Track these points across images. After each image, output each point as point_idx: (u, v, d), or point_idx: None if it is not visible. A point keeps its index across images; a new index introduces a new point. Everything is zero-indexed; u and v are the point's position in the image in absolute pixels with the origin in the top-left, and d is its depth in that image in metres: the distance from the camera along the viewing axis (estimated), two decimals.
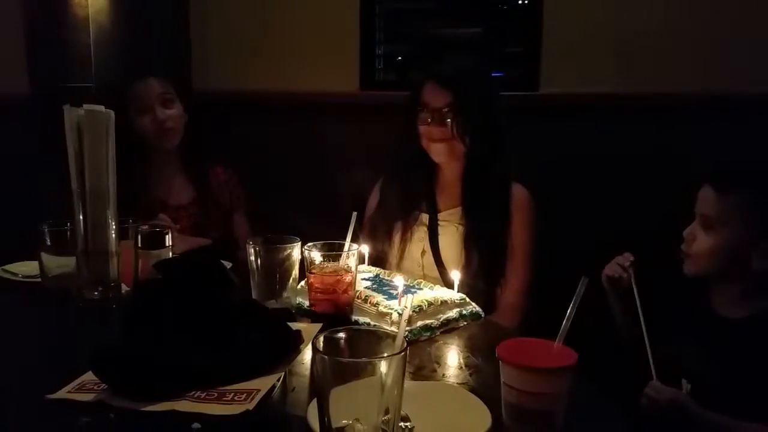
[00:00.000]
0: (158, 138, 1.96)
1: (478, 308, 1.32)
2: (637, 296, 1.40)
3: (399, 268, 1.69)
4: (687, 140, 2.09)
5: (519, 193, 1.67)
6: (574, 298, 0.83)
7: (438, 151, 1.66)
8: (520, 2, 2.44)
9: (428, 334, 1.19)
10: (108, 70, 2.46)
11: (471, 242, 1.62)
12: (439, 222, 1.69)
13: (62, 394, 0.85)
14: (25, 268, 1.51)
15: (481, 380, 1.00)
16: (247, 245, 1.23)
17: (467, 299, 1.32)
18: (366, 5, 2.49)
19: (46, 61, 2.53)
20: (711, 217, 1.36)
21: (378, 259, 1.66)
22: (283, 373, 0.89)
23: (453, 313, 1.26)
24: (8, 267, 1.55)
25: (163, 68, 2.18)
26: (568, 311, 0.83)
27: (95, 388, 0.85)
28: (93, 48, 2.47)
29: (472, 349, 1.16)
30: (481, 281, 1.57)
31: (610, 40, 2.19)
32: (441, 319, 1.23)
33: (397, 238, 1.71)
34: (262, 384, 0.85)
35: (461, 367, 1.07)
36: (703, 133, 2.06)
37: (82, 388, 0.86)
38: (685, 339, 1.39)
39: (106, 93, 2.30)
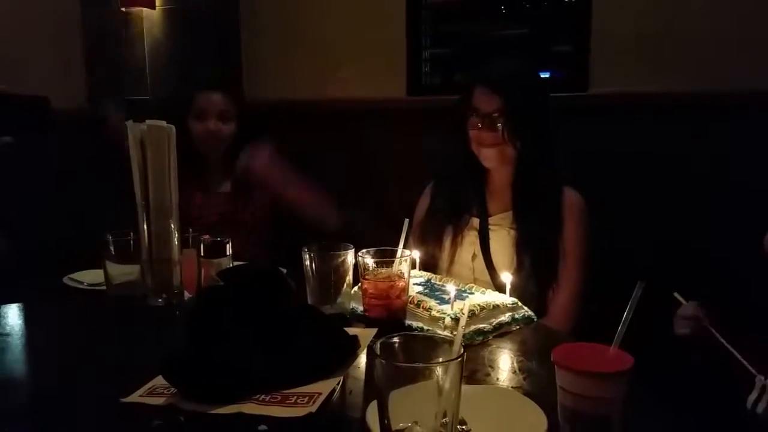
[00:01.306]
0: (205, 145, 2.11)
1: (530, 312, 1.31)
2: (722, 340, 1.34)
3: (450, 273, 1.69)
4: (741, 139, 2.03)
5: (571, 196, 1.66)
6: (630, 302, 0.83)
7: (488, 156, 1.66)
8: (567, 1, 2.41)
9: (481, 338, 1.20)
10: (162, 83, 2.56)
11: (523, 246, 1.61)
12: (490, 226, 1.69)
13: (135, 397, 0.90)
14: (90, 277, 1.56)
15: (535, 384, 1.00)
16: (302, 252, 1.26)
17: (519, 303, 1.32)
18: (412, 9, 2.50)
19: (103, 76, 2.64)
20: None
21: (428, 264, 1.67)
22: (342, 377, 0.91)
23: (505, 317, 1.26)
24: (74, 275, 1.61)
25: (229, 84, 2.28)
26: (624, 315, 0.82)
27: (165, 392, 0.90)
28: (148, 62, 2.57)
29: (525, 352, 1.16)
30: (533, 285, 1.57)
31: (659, 38, 2.14)
32: (493, 324, 1.23)
33: (447, 243, 1.71)
34: (323, 387, 0.88)
35: (515, 371, 1.07)
36: (759, 131, 1.99)
37: (153, 392, 0.91)
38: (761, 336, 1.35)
39: (166, 103, 2.40)
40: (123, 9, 2.53)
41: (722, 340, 1.32)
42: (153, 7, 2.53)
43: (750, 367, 1.27)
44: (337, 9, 2.58)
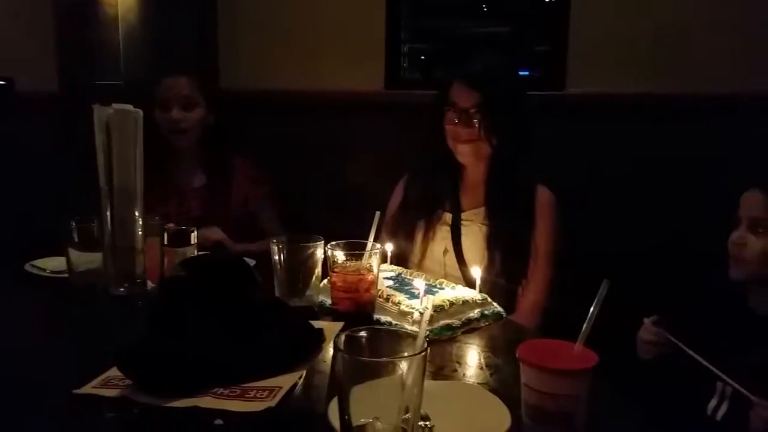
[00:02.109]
0: (170, 137, 2.02)
1: (499, 308, 1.31)
2: (688, 350, 1.34)
3: (421, 267, 1.68)
4: (715, 141, 2.05)
5: (543, 194, 1.66)
6: (596, 300, 0.82)
7: (464, 152, 1.65)
8: (547, 1, 2.41)
9: (449, 333, 1.19)
10: (137, 68, 2.50)
11: (494, 242, 1.62)
12: (462, 221, 1.68)
13: (87, 389, 0.87)
14: (53, 264, 1.53)
15: (502, 380, 1.00)
16: (270, 243, 1.24)
17: (489, 299, 1.31)
18: (391, 3, 2.49)
19: (75, 59, 2.57)
20: (758, 218, 1.33)
21: (400, 258, 1.66)
22: (305, 371, 0.90)
23: (474, 313, 1.25)
24: (36, 262, 1.57)
25: (194, 68, 2.21)
26: (590, 313, 0.82)
27: (120, 383, 0.87)
28: (122, 46, 2.50)
29: (493, 349, 1.15)
30: (503, 281, 1.57)
31: (637, 40, 2.16)
32: (462, 319, 1.22)
33: (419, 237, 1.71)
34: (285, 381, 0.86)
35: (482, 367, 1.07)
36: (732, 134, 2.02)
37: (107, 383, 0.88)
38: (724, 341, 1.36)
39: (135, 90, 2.35)
40: None
41: (686, 349, 1.33)
42: None
43: (717, 372, 1.28)
44: (317, 0, 2.55)
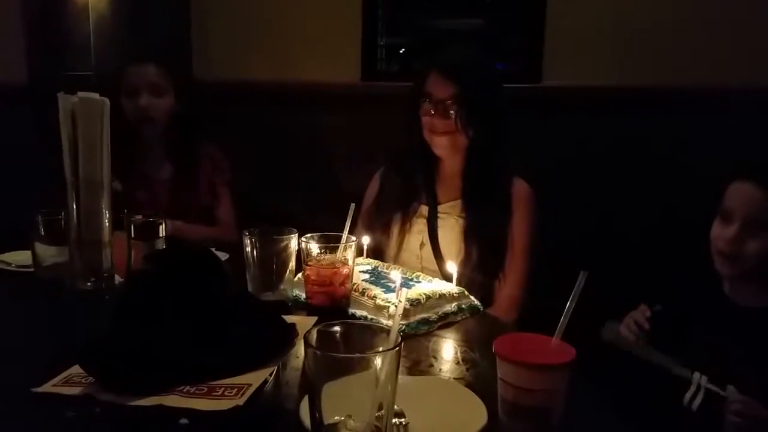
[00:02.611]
0: (137, 124, 1.97)
1: (476, 302, 1.30)
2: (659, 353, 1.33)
3: (397, 260, 1.67)
4: (689, 133, 2.07)
5: (520, 186, 1.65)
6: (573, 293, 0.81)
7: (440, 144, 1.64)
8: None
9: (426, 327, 1.17)
10: (107, 58, 2.44)
11: (471, 235, 1.60)
12: (438, 214, 1.67)
13: (48, 387, 0.83)
14: (19, 258, 1.49)
15: (478, 375, 0.98)
16: (243, 236, 1.21)
17: (466, 292, 1.30)
18: None
19: (44, 50, 2.51)
20: (756, 214, 1.27)
21: (377, 251, 1.64)
22: (276, 368, 0.87)
23: (451, 307, 1.24)
24: (2, 256, 1.53)
25: (162, 56, 2.16)
26: (567, 306, 0.81)
27: (82, 381, 0.84)
28: (93, 36, 2.44)
29: (469, 343, 1.14)
30: (480, 274, 1.56)
31: (612, 33, 2.17)
32: (439, 313, 1.21)
33: (396, 230, 1.69)
34: (254, 378, 0.83)
35: (458, 362, 1.05)
36: (705, 126, 2.04)
37: (68, 381, 0.84)
38: (700, 332, 1.35)
39: (106, 81, 2.29)
40: None
41: (660, 355, 1.32)
42: None
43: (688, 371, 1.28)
44: None
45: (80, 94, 1.20)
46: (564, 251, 1.73)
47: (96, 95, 1.21)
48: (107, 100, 1.22)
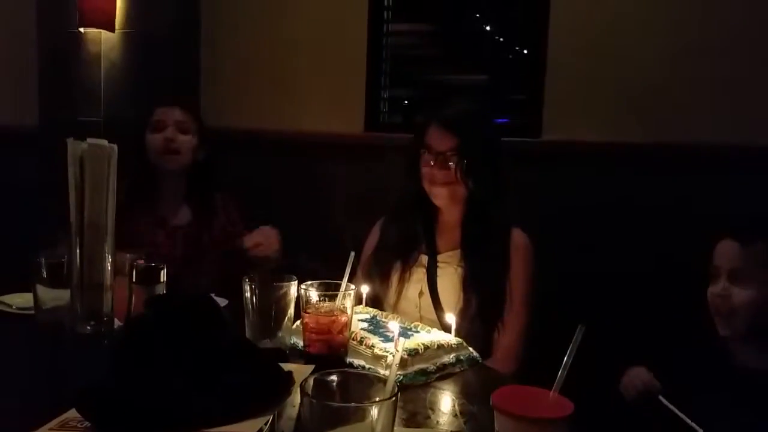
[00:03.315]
0: (163, 158, 2.03)
1: (475, 353, 1.29)
2: (674, 408, 1.31)
3: (396, 309, 1.67)
4: (685, 189, 2.09)
5: (518, 237, 1.67)
6: (571, 346, 0.81)
7: (439, 195, 1.66)
8: (525, 51, 2.48)
9: (423, 378, 1.16)
10: (116, 106, 2.50)
11: (470, 284, 1.61)
12: (438, 264, 1.68)
13: (44, 430, 0.83)
14: (21, 300, 1.49)
15: (476, 428, 0.97)
16: (243, 282, 1.22)
17: (464, 344, 1.29)
18: (373, 50, 2.53)
19: (56, 96, 2.57)
20: (739, 269, 1.32)
21: (376, 299, 1.64)
22: (272, 417, 0.86)
23: (450, 358, 1.23)
24: (3, 298, 1.53)
25: (185, 99, 2.24)
26: (565, 360, 0.81)
27: (78, 425, 0.83)
28: (103, 84, 2.51)
29: (467, 395, 1.13)
30: (479, 325, 1.55)
31: (611, 89, 2.22)
32: (437, 364, 1.20)
33: (395, 278, 1.69)
34: (249, 427, 0.82)
35: (456, 415, 1.04)
36: (702, 183, 2.07)
37: (64, 425, 0.84)
38: (707, 394, 1.34)
39: (115, 127, 2.34)
40: (81, 30, 2.48)
41: (676, 411, 1.30)
42: (113, 30, 2.49)
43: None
44: (299, 43, 2.60)
45: (89, 140, 1.23)
46: (562, 303, 1.73)
47: (105, 142, 1.23)
48: (115, 147, 1.24)
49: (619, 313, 1.98)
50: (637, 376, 1.44)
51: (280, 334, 1.22)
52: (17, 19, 2.72)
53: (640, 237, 2.12)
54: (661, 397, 1.35)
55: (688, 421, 1.26)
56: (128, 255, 1.28)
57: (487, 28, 2.61)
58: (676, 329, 1.49)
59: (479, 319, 1.56)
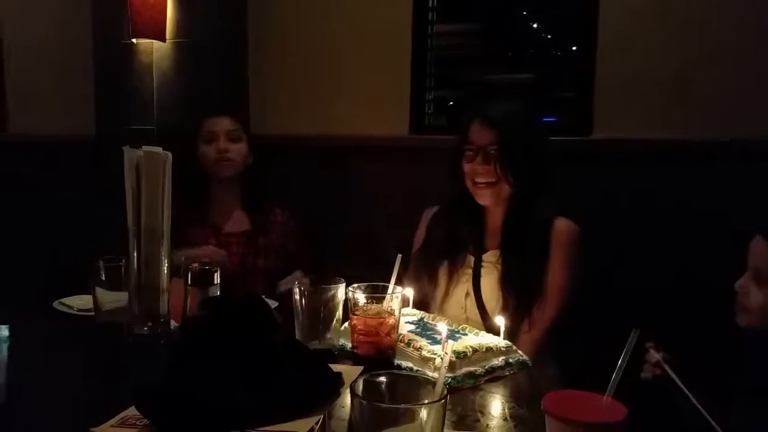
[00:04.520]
0: (217, 166, 2.09)
1: (525, 356, 1.28)
2: (681, 385, 1.29)
3: (442, 311, 1.66)
4: (741, 188, 2.02)
5: (561, 225, 1.62)
6: (625, 350, 0.80)
7: (483, 194, 1.65)
8: (573, 48, 2.44)
9: (472, 381, 1.16)
10: (169, 114, 2.58)
11: (506, 284, 1.59)
12: (482, 264, 1.67)
13: (105, 428, 0.86)
14: (81, 302, 1.55)
15: None
16: (293, 286, 1.24)
17: (514, 347, 1.28)
18: (418, 52, 2.53)
19: (111, 106, 2.66)
20: (761, 269, 1.29)
21: (422, 301, 1.64)
22: (323, 416, 0.88)
23: (498, 361, 1.22)
24: (65, 300, 1.60)
25: (234, 108, 2.30)
26: (619, 363, 0.79)
27: (137, 423, 0.86)
28: (156, 92, 2.59)
29: (517, 399, 1.12)
30: (517, 323, 1.53)
31: (662, 86, 2.16)
32: (486, 367, 1.19)
33: (443, 280, 1.69)
34: (301, 426, 0.84)
35: (506, 418, 1.03)
36: (758, 181, 1.98)
37: (125, 422, 0.87)
38: (739, 398, 1.30)
39: (167, 135, 2.42)
40: (133, 41, 2.57)
41: (678, 382, 1.26)
42: (163, 40, 2.56)
43: (702, 411, 1.22)
44: (344, 48, 2.61)
45: (145, 148, 1.27)
46: (615, 306, 1.69)
47: (159, 149, 1.27)
48: (170, 154, 1.28)
49: (669, 316, 1.92)
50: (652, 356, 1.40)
51: (328, 335, 1.24)
52: (73, 32, 2.83)
53: (692, 235, 2.06)
54: (663, 362, 1.30)
55: (685, 389, 1.22)
56: (183, 258, 1.33)
57: (534, 25, 2.57)
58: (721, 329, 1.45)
59: (518, 319, 1.53)
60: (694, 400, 1.20)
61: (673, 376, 1.23)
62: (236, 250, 2.06)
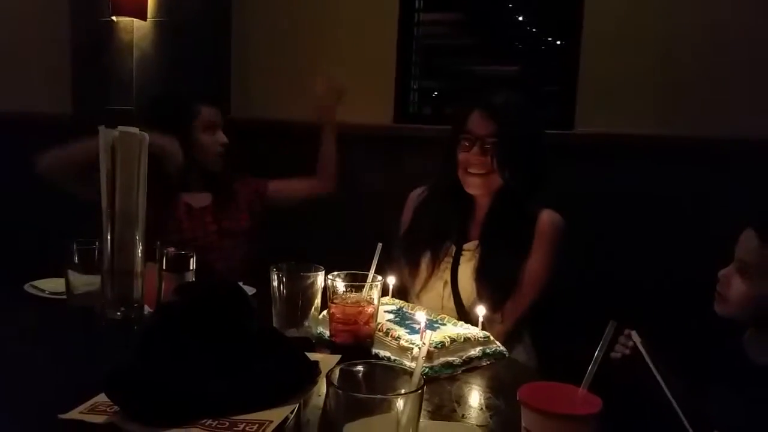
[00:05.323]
0: (216, 157, 2.10)
1: (502, 347, 1.28)
2: (653, 367, 1.30)
3: (419, 298, 1.66)
4: (721, 183, 2.04)
5: (545, 217, 1.62)
6: (601, 342, 0.80)
7: (474, 184, 1.64)
8: (558, 42, 2.44)
9: (449, 371, 1.16)
10: (148, 94, 2.53)
11: (481, 275, 1.58)
12: (462, 252, 1.66)
13: (74, 414, 0.84)
14: (53, 285, 1.52)
15: (502, 423, 0.96)
16: (270, 271, 1.22)
17: (491, 337, 1.28)
18: (403, 41, 2.52)
19: (89, 84, 2.61)
20: (750, 264, 1.32)
21: (404, 290, 1.63)
22: (298, 405, 0.87)
23: (476, 351, 1.22)
24: (36, 283, 1.57)
25: (216, 98, 2.28)
26: (595, 356, 0.79)
27: (107, 410, 0.84)
28: (135, 73, 2.54)
29: (494, 389, 1.12)
30: (491, 314, 1.51)
31: (645, 82, 2.18)
32: (463, 357, 1.19)
33: (424, 268, 1.68)
34: (275, 415, 0.83)
35: (482, 408, 1.03)
36: (737, 176, 2.01)
37: (94, 409, 0.85)
38: (718, 389, 1.33)
39: (146, 115, 2.38)
40: (113, 18, 2.51)
41: (651, 365, 1.27)
42: (144, 18, 2.51)
43: (669, 395, 1.23)
44: (328, 33, 2.59)
45: (120, 128, 1.24)
46: (594, 298, 1.70)
47: (136, 130, 1.25)
48: (146, 135, 1.25)
49: (648, 308, 1.94)
50: (627, 340, 1.41)
51: (306, 323, 1.23)
52: (51, 7, 2.76)
53: (673, 229, 2.08)
54: (635, 338, 1.31)
55: (656, 372, 1.23)
56: (158, 242, 1.30)
57: (520, 18, 2.57)
58: (702, 324, 1.46)
59: (490, 309, 1.51)
60: (663, 384, 1.20)
61: (647, 358, 1.24)
62: (210, 219, 2.09)
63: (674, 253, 2.04)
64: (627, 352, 1.37)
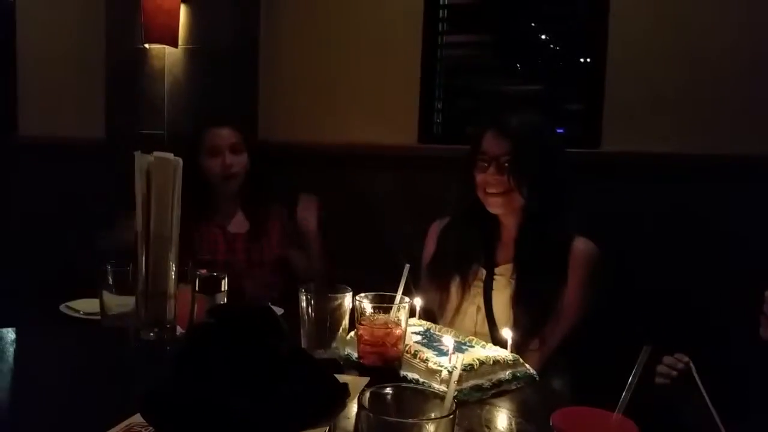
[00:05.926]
0: (223, 180, 2.11)
1: (532, 370, 1.26)
2: (703, 390, 1.27)
3: (452, 323, 1.65)
4: (748, 202, 2.00)
5: (581, 246, 1.60)
6: (636, 367, 0.79)
7: (494, 203, 1.63)
8: (582, 60, 2.44)
9: (479, 395, 1.15)
10: (179, 119, 2.59)
11: (520, 300, 1.56)
12: (495, 277, 1.65)
13: None
14: (87, 306, 1.55)
15: None
16: (299, 293, 1.24)
17: (521, 360, 1.27)
18: (427, 62, 2.54)
19: (122, 109, 2.68)
20: None
21: (430, 313, 1.63)
22: (328, 428, 0.87)
23: (506, 375, 1.21)
24: (71, 303, 1.60)
25: (236, 119, 2.30)
26: (629, 381, 0.78)
27: (143, 431, 0.86)
28: (166, 98, 2.61)
29: (524, 414, 1.11)
30: (528, 341, 1.51)
31: (671, 100, 2.16)
32: (493, 380, 1.18)
33: (454, 292, 1.67)
34: None
35: None
36: (764, 195, 1.97)
37: (129, 430, 0.87)
38: (759, 417, 1.29)
39: (177, 140, 2.43)
40: (146, 46, 2.58)
41: (702, 389, 1.24)
42: (176, 45, 2.58)
43: (719, 422, 1.20)
44: (354, 57, 2.62)
45: (156, 153, 1.27)
46: (625, 321, 1.67)
47: (170, 155, 1.27)
48: (180, 160, 1.28)
49: (680, 329, 1.91)
50: (676, 362, 1.37)
51: (334, 345, 1.23)
52: (86, 34, 2.85)
53: (702, 249, 2.04)
54: (692, 366, 1.28)
55: (709, 403, 1.20)
56: (190, 263, 1.32)
57: (544, 37, 2.57)
58: (746, 350, 1.43)
59: (527, 336, 1.51)
60: (713, 410, 1.18)
61: (699, 383, 1.21)
62: (242, 247, 2.12)
63: (709, 274, 2.00)
64: (674, 374, 1.33)
